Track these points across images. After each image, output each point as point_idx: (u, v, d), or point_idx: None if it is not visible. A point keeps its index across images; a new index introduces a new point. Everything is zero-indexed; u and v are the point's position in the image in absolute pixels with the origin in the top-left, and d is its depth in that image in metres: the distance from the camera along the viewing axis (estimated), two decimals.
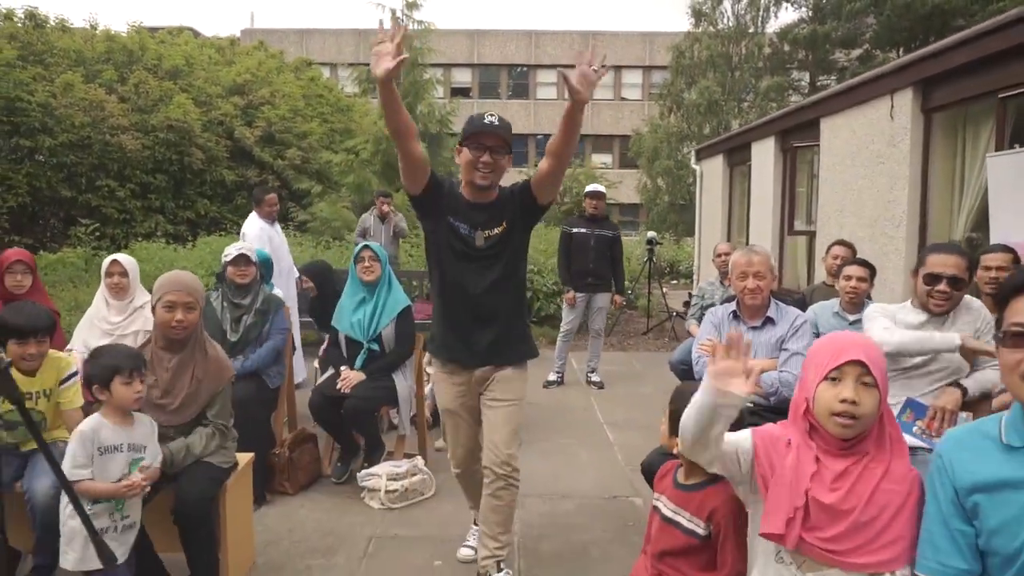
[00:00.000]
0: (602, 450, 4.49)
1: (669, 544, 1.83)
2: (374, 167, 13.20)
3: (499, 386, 2.71)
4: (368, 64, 2.29)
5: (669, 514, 1.88)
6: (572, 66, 2.28)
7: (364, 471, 3.69)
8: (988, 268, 3.23)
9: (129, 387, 2.23)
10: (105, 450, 2.24)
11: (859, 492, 1.48)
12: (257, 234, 5.91)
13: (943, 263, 2.70)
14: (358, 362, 3.88)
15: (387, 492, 3.55)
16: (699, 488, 1.87)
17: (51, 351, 2.69)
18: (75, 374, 2.75)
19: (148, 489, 2.32)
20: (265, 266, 4.58)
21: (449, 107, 13.45)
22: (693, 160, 13.60)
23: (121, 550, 2.22)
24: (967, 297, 2.81)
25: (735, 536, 1.72)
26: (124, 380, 2.23)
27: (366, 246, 3.89)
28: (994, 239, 5.21)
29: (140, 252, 10.13)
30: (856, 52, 19.82)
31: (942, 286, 2.69)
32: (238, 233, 6.29)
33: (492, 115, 2.52)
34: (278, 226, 6.09)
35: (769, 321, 3.05)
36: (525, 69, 30.39)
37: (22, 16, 11.80)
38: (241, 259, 3.78)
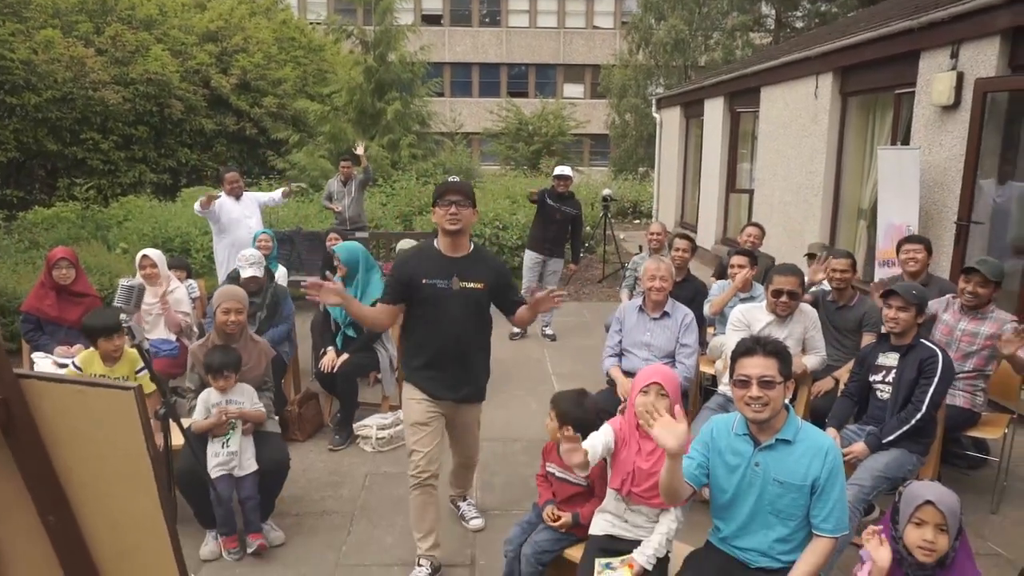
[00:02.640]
0: (548, 400, 5.50)
1: (566, 493, 2.85)
2: (348, 116, 13.68)
3: (464, 412, 3.36)
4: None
5: (561, 475, 2.88)
6: None
7: (358, 423, 4.68)
8: (835, 270, 4.22)
9: (217, 381, 3.44)
10: (214, 405, 3.41)
11: (661, 463, 2.44)
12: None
13: (785, 281, 3.68)
14: (337, 342, 4.76)
15: (377, 439, 4.57)
16: None
17: (126, 348, 3.61)
18: (143, 368, 3.65)
19: (235, 424, 3.37)
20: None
21: (420, 55, 13.88)
22: (654, 108, 14.26)
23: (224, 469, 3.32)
24: (802, 304, 3.82)
25: (601, 483, 2.73)
26: (214, 378, 3.44)
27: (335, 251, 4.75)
28: (881, 220, 6.20)
29: (131, 206, 10.76)
30: None
31: (784, 298, 3.69)
32: (219, 180, 6.68)
33: (455, 177, 3.37)
34: (248, 197, 6.65)
35: (666, 315, 4.02)
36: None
37: None
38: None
